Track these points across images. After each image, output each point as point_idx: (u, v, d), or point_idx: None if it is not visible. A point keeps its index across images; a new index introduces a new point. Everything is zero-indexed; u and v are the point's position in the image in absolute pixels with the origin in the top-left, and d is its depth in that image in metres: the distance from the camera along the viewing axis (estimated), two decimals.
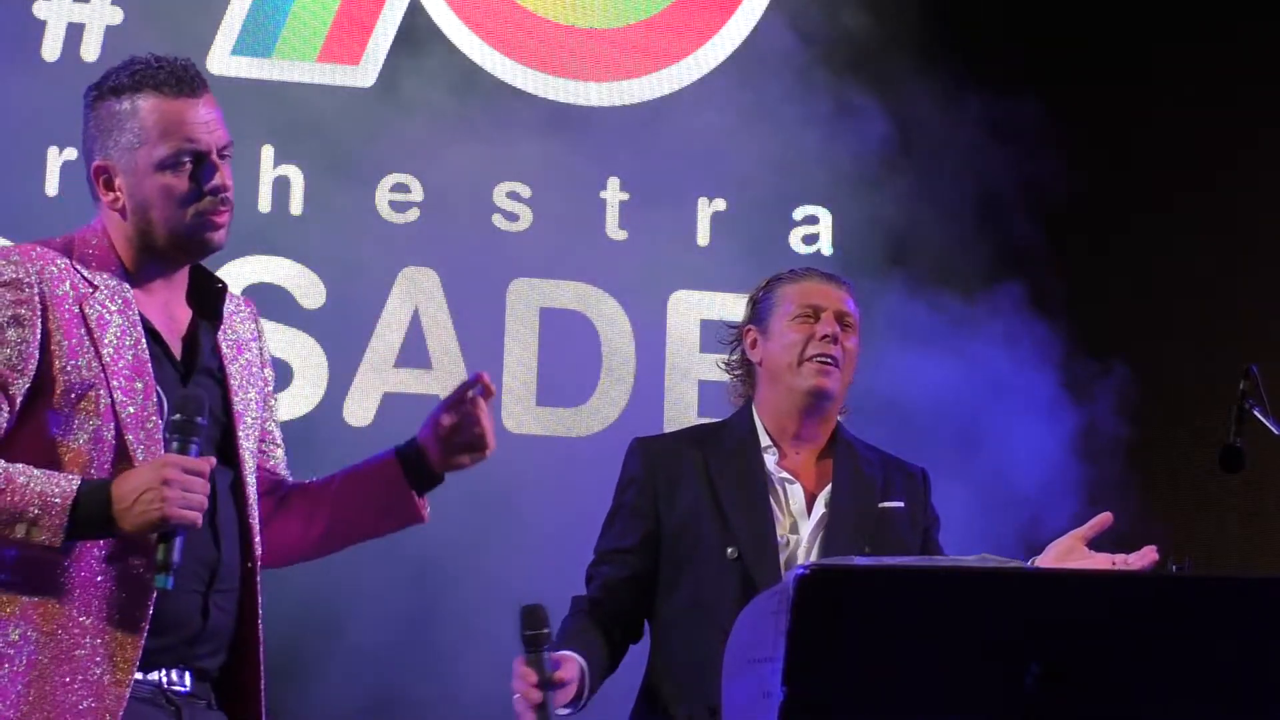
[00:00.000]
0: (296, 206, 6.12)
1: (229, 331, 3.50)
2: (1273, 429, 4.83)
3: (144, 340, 3.34)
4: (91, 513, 3.17)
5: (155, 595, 3.23)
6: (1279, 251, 6.68)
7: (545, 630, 3.49)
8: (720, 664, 3.22)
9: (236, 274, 5.91)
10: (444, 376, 6.00)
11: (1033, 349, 6.24)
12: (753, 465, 4.07)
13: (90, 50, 6.00)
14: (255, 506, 3.45)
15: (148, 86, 3.36)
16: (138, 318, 3.35)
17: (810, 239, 6.45)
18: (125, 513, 3.16)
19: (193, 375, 3.40)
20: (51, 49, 5.97)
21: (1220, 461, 4.99)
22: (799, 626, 2.96)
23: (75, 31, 6.01)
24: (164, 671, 3.31)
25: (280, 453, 3.66)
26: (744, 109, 6.40)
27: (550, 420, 6.21)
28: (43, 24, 5.99)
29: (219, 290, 3.48)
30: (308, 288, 6.07)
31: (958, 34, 6.44)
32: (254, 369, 3.54)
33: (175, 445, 3.22)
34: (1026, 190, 6.41)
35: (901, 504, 4.11)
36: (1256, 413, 4.88)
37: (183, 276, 3.46)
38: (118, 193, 3.37)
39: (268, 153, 6.09)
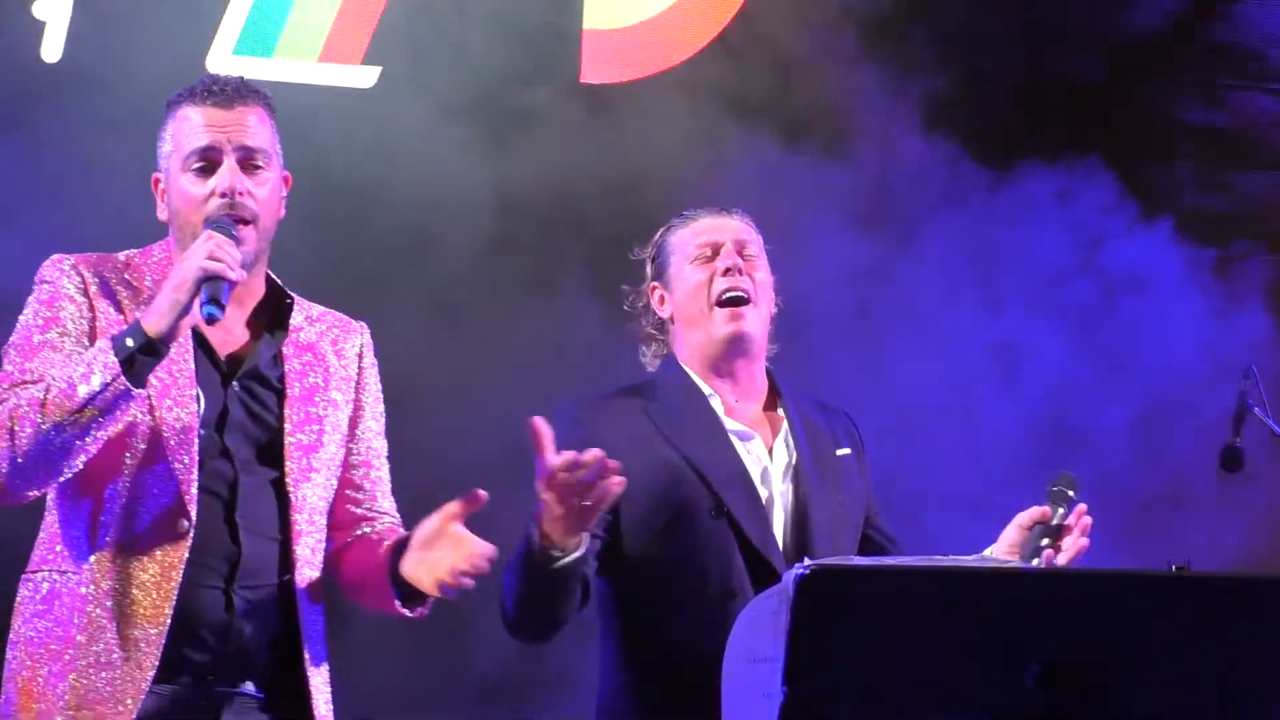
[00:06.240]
0: None
1: (304, 346, 3.55)
2: (1274, 428, 4.84)
3: (190, 343, 3.41)
4: (128, 336, 3.26)
5: (179, 591, 3.31)
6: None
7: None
8: (724, 626, 3.19)
9: None
10: None
11: None
12: (707, 416, 3.93)
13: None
14: (304, 517, 3.47)
15: (186, 99, 3.47)
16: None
17: None
18: (160, 303, 3.26)
19: (235, 377, 3.46)
20: (52, 50, 5.95)
21: (1220, 461, 5.00)
22: (799, 626, 2.96)
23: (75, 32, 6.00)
24: (197, 670, 3.36)
25: (377, 489, 3.62)
26: None
27: None
28: (42, 25, 5.96)
29: (286, 306, 3.55)
30: None
31: None
32: (334, 386, 3.56)
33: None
34: None
35: (850, 451, 4.03)
36: (1257, 412, 4.89)
37: (254, 288, 3.52)
38: (164, 203, 3.49)
39: None
